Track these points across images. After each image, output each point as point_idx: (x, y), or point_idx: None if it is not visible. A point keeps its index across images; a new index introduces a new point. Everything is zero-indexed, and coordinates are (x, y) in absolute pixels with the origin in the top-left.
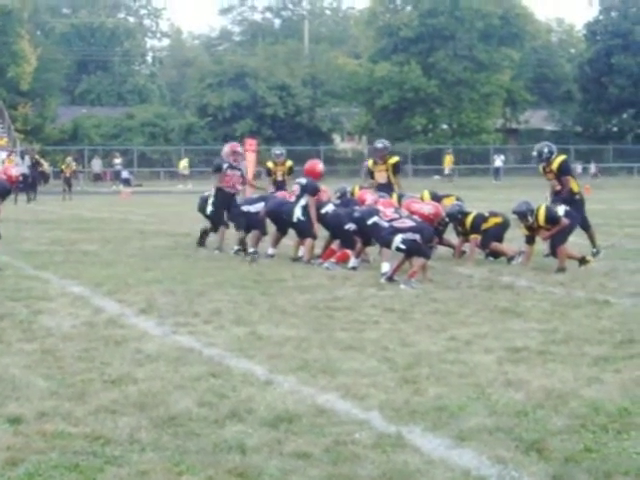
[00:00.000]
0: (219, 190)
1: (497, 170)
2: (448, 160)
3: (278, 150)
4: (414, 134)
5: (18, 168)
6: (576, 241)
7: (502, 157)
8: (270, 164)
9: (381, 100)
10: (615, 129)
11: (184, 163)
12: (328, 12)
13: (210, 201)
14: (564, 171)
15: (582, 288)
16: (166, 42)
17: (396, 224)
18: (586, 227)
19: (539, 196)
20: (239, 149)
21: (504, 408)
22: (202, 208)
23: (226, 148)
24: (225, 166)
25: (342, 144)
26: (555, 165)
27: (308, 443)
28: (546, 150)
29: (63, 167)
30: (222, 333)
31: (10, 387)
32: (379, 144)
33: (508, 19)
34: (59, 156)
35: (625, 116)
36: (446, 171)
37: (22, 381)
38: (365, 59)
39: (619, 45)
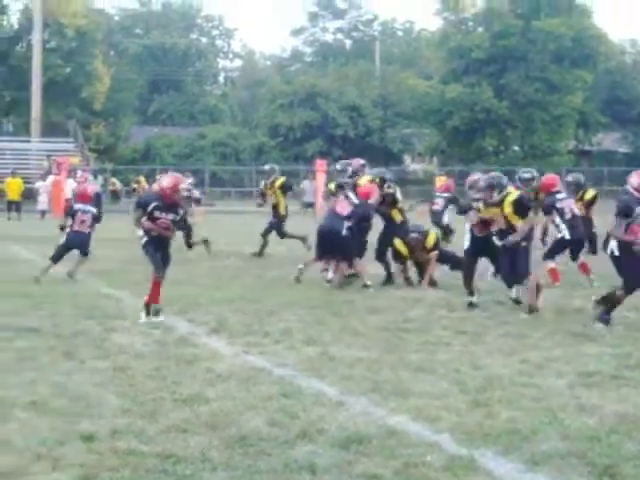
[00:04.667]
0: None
1: None
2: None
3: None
4: (485, 155)
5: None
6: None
7: None
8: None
9: (452, 121)
10: None
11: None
12: (400, 33)
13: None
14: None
15: None
16: (238, 63)
17: None
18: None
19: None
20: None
21: (577, 433)
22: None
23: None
24: None
25: (412, 165)
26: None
27: (378, 465)
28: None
29: (135, 186)
30: (293, 353)
31: (83, 404)
32: (526, 174)
33: (581, 40)
34: (131, 175)
35: None
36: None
37: (95, 398)
38: (436, 80)
39: None
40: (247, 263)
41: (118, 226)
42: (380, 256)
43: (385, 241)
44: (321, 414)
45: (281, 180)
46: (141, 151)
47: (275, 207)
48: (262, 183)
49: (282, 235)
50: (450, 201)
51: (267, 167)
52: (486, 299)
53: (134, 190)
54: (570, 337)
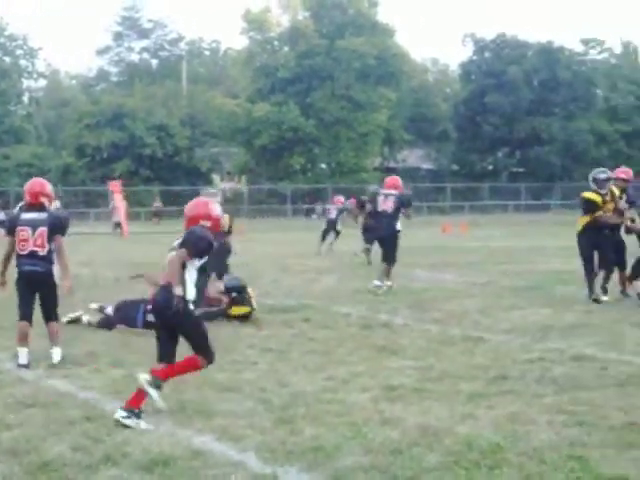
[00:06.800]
0: None
1: None
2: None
3: None
4: (293, 173)
5: None
6: None
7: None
8: None
9: (260, 140)
10: (490, 167)
11: None
12: (207, 52)
13: None
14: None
15: (457, 325)
16: (43, 82)
17: None
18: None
19: (420, 234)
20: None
21: (380, 446)
22: None
23: None
24: None
25: (222, 184)
26: None
27: None
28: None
29: None
30: (98, 376)
31: None
32: (601, 174)
33: (385, 59)
34: None
35: (500, 155)
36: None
37: None
38: (243, 99)
39: (493, 85)
40: None
41: None
42: None
43: None
44: (125, 437)
45: None
46: None
47: None
48: None
49: None
50: None
51: None
52: (293, 317)
53: None
54: (375, 351)
